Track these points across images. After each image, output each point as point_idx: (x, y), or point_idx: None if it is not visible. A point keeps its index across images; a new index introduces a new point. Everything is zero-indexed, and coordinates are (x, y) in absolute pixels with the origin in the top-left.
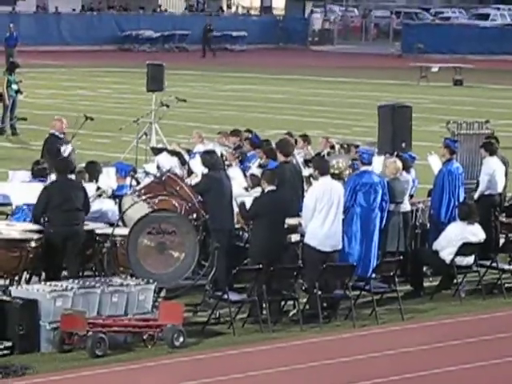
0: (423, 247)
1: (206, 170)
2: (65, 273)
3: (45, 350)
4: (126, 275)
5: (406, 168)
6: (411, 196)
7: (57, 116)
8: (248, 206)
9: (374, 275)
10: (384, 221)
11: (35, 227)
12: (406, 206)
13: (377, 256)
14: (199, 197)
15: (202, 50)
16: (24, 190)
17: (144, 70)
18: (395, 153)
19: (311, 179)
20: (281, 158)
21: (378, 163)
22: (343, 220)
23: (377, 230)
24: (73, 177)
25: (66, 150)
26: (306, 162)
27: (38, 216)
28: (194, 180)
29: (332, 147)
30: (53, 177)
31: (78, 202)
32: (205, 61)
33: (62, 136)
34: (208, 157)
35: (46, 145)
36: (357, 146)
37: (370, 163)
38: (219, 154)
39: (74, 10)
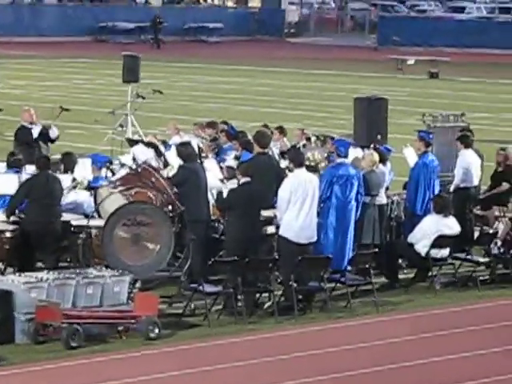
0: (398, 239)
1: (181, 162)
2: (40, 264)
3: (19, 342)
4: (101, 267)
5: (383, 160)
6: (387, 188)
7: (25, 107)
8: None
9: (349, 267)
10: (359, 213)
11: (11, 218)
12: (381, 199)
13: (352, 248)
14: (175, 188)
15: (153, 41)
16: None
17: (120, 61)
18: (372, 145)
19: (287, 171)
20: (258, 149)
21: (353, 155)
22: (319, 212)
23: (352, 222)
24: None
25: (35, 131)
26: (282, 154)
27: (14, 207)
28: (171, 172)
29: (308, 139)
30: (28, 168)
31: (58, 197)
32: (180, 53)
33: (30, 126)
34: (183, 148)
35: (16, 136)
36: (332, 139)
37: (346, 156)
38: (195, 146)
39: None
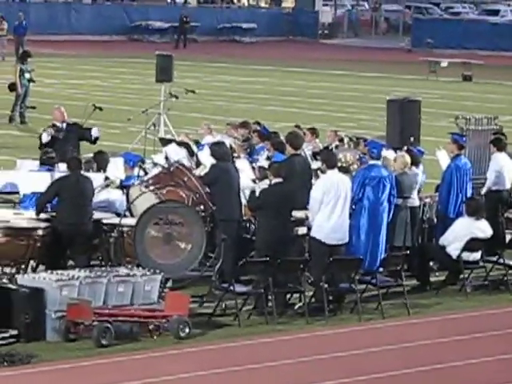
0: (430, 242)
1: (214, 161)
2: (71, 263)
3: (50, 339)
4: (132, 265)
5: (415, 163)
6: (419, 191)
7: (56, 105)
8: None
9: (380, 269)
10: (391, 215)
11: (43, 216)
12: (414, 201)
13: (384, 250)
14: (207, 188)
15: (176, 41)
16: (32, 178)
17: (153, 60)
18: (404, 147)
19: (319, 172)
20: (290, 150)
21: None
22: (351, 213)
23: (384, 223)
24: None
25: (45, 137)
26: (314, 155)
27: (42, 205)
28: (203, 171)
29: (341, 140)
30: (61, 166)
31: (89, 197)
32: (214, 53)
33: (60, 125)
34: (217, 148)
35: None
36: (365, 140)
37: (378, 157)
38: (228, 146)
39: None
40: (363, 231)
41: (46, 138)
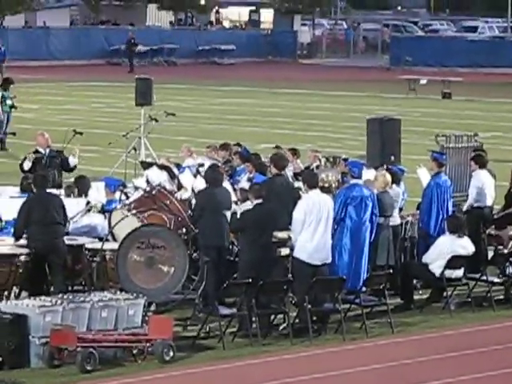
0: (413, 260)
1: (195, 184)
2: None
3: (35, 366)
4: (115, 290)
5: (396, 181)
6: (401, 209)
7: (39, 131)
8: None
9: (363, 288)
10: (373, 234)
11: (24, 242)
12: (395, 220)
13: (367, 269)
14: (189, 211)
15: (129, 65)
16: (13, 205)
17: (133, 84)
18: (384, 166)
19: (301, 193)
20: (274, 171)
21: (366, 177)
22: (333, 233)
23: (367, 243)
24: (53, 190)
25: (26, 164)
26: (296, 176)
27: (20, 230)
28: (184, 194)
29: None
30: None
31: (58, 215)
32: (193, 75)
33: (43, 151)
34: (210, 171)
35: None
36: (345, 160)
37: (359, 176)
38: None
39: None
40: (346, 251)
41: (27, 166)
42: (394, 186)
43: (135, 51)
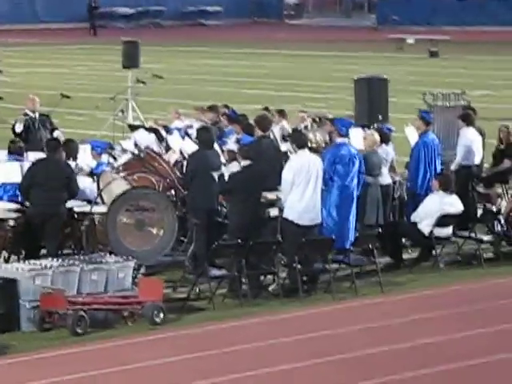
0: (401, 219)
1: (186, 146)
2: (44, 251)
3: (25, 329)
4: (105, 253)
5: (385, 140)
6: (392, 169)
7: (29, 95)
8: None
9: (352, 248)
10: (361, 192)
11: (13, 206)
12: (385, 179)
13: (355, 228)
14: (177, 173)
15: (92, 28)
16: (1, 169)
17: (119, 46)
18: (374, 125)
19: (288, 154)
20: (259, 132)
21: (354, 135)
22: (321, 193)
23: (354, 201)
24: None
25: (18, 127)
26: (283, 137)
27: (25, 192)
28: (172, 156)
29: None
30: (30, 155)
31: (61, 182)
32: (180, 37)
33: (33, 114)
34: (203, 133)
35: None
36: (331, 120)
37: (347, 135)
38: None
39: None
40: (334, 209)
41: (19, 129)
42: (383, 145)
43: (96, 14)
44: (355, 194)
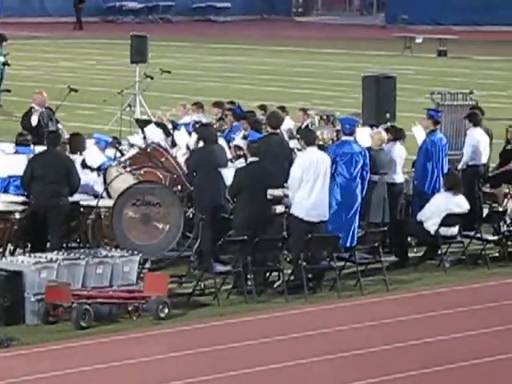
0: (407, 218)
1: (189, 142)
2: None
3: (30, 322)
4: (110, 247)
5: (399, 138)
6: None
7: (37, 89)
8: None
9: (358, 246)
10: (366, 191)
11: (19, 199)
12: (399, 177)
13: (358, 226)
14: (184, 169)
15: (77, 22)
16: (8, 161)
17: (128, 41)
18: (388, 123)
19: (295, 151)
20: (269, 129)
21: (361, 134)
22: None
23: (358, 200)
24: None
25: (34, 119)
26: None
27: (26, 185)
28: (178, 152)
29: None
30: (36, 148)
31: (61, 175)
32: (188, 32)
33: (41, 109)
34: (203, 129)
35: (26, 117)
36: (336, 118)
37: (351, 133)
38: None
39: None
40: (337, 207)
41: (35, 121)
42: (397, 143)
43: (82, 8)
44: (358, 192)
